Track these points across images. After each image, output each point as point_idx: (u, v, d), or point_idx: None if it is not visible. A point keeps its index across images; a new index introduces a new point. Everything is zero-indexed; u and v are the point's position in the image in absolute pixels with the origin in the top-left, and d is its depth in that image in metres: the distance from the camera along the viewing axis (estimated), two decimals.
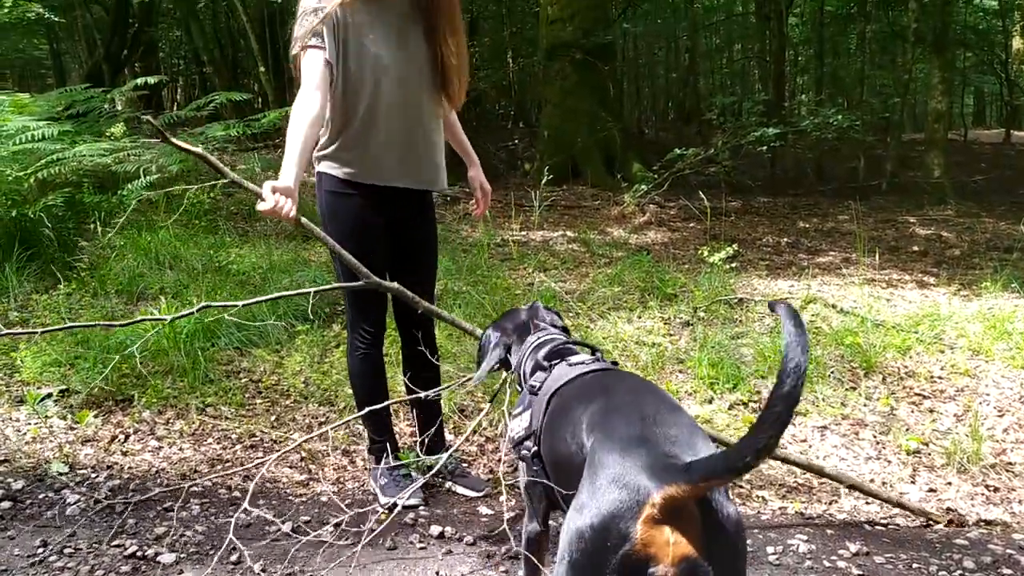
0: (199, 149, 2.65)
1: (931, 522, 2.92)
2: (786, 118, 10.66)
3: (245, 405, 3.79)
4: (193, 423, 3.58)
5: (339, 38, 2.58)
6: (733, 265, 6.18)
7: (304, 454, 3.32)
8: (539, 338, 2.24)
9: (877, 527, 2.88)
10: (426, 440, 2.97)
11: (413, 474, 2.95)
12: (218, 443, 3.43)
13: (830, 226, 8.45)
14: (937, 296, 5.71)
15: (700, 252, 6.38)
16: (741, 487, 3.15)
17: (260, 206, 2.35)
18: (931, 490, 3.17)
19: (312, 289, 2.97)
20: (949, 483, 3.21)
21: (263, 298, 3.03)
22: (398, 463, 2.92)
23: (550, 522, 2.10)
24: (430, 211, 2.96)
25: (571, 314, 5.11)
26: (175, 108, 15.24)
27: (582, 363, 2.01)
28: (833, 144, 10.93)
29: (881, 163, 11.77)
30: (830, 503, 3.06)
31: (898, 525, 2.91)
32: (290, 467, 3.25)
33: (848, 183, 11.10)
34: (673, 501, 1.36)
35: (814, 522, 2.91)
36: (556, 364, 2.05)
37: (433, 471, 2.75)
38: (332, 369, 4.14)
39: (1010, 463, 3.34)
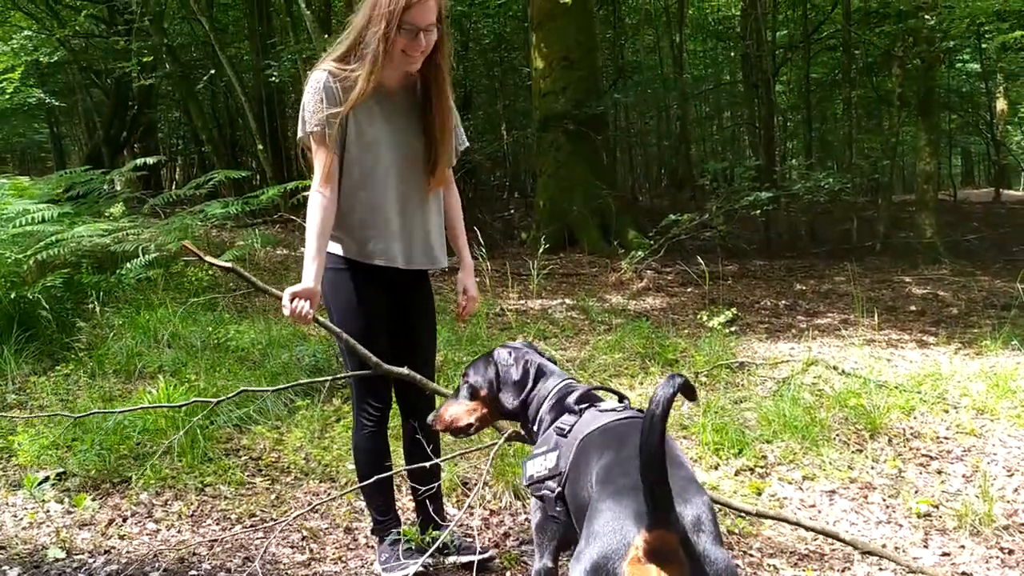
0: (229, 264, 2.81)
1: None
2: (777, 182, 10.79)
3: (245, 484, 3.73)
4: (192, 504, 3.52)
5: (344, 126, 2.67)
6: (733, 329, 6.18)
7: (305, 533, 3.26)
8: (560, 382, 2.32)
9: None
10: (426, 516, 2.95)
11: (413, 548, 2.91)
12: (217, 524, 3.37)
13: (827, 288, 8.48)
14: (937, 355, 5.70)
15: (699, 316, 6.39)
16: (752, 555, 3.09)
17: (284, 311, 2.57)
18: (945, 554, 3.11)
19: (327, 378, 2.99)
20: (962, 546, 3.16)
21: (290, 384, 3.06)
22: (398, 538, 2.90)
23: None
24: (427, 287, 2.98)
25: None
26: (173, 187, 15.45)
27: (612, 410, 2.11)
28: (826, 207, 11.05)
29: (873, 225, 11.88)
30: (843, 570, 3.00)
31: None
32: (291, 547, 3.19)
33: (842, 245, 11.18)
34: (658, 543, 1.50)
35: None
36: (586, 409, 2.14)
37: (434, 546, 2.70)
38: (333, 444, 4.10)
39: (1023, 524, 3.29)
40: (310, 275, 2.59)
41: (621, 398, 2.25)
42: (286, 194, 7.86)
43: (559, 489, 2.04)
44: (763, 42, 12.75)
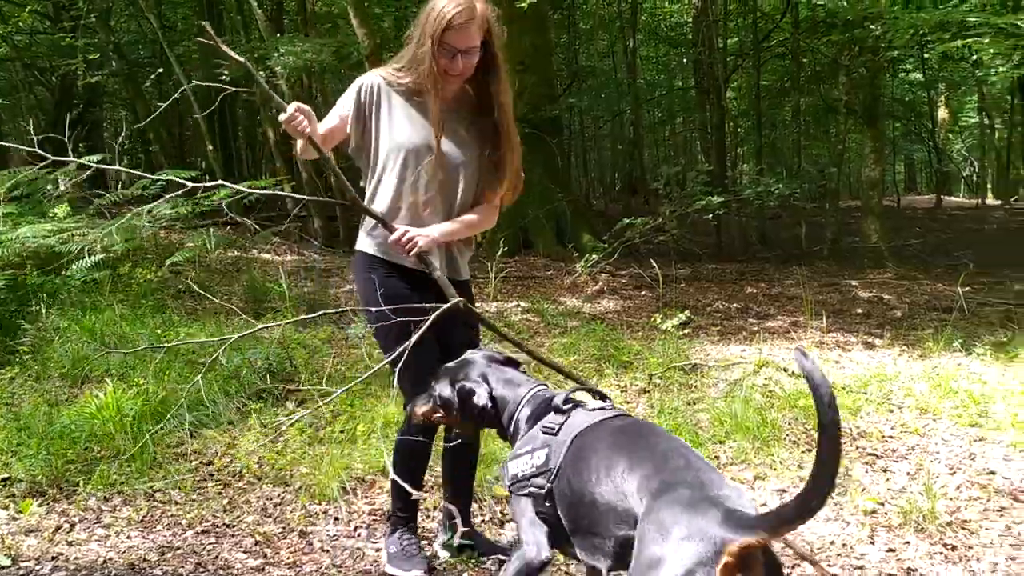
0: (243, 58, 2.81)
1: None
2: (729, 187, 10.96)
3: (196, 489, 3.68)
4: (141, 509, 3.46)
5: (370, 112, 2.85)
6: (686, 331, 6.27)
7: (259, 538, 3.23)
8: (535, 387, 2.39)
9: None
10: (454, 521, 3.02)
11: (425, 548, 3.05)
12: (168, 530, 3.32)
13: (777, 291, 8.63)
14: (883, 357, 5.84)
15: (653, 319, 6.46)
16: None
17: (281, 116, 2.63)
18: (891, 550, 3.19)
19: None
20: (907, 543, 3.24)
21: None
22: (414, 536, 3.03)
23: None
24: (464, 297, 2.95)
25: None
26: (119, 187, 15.11)
27: (601, 409, 2.20)
28: (776, 211, 11.24)
29: (821, 229, 12.12)
30: (793, 566, 3.06)
31: None
32: (244, 552, 3.15)
33: (791, 249, 11.39)
34: (747, 550, 1.60)
35: None
36: (572, 409, 2.21)
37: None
38: (287, 448, 4.06)
39: (965, 521, 3.38)
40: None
41: (603, 397, 2.31)
42: (238, 195, 7.75)
43: (548, 485, 2.09)
44: (715, 49, 12.94)
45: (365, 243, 2.94)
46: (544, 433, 2.18)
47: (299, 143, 2.74)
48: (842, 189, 16.55)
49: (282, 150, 12.65)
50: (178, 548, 3.15)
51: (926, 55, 17.15)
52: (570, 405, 2.23)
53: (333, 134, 2.90)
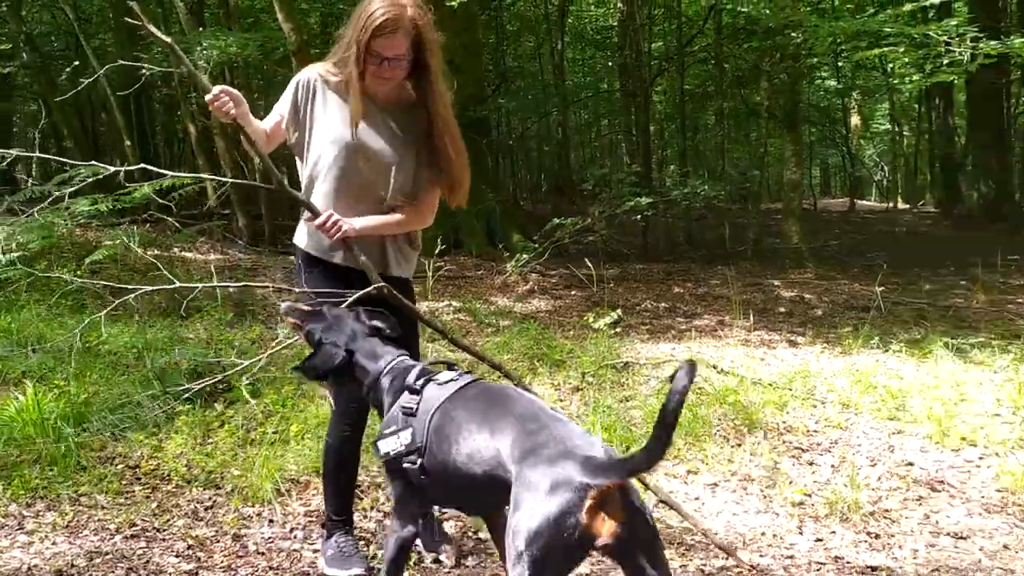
0: (169, 39, 2.81)
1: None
2: (656, 188, 11.14)
3: (123, 493, 3.57)
4: (66, 514, 3.34)
5: (306, 108, 2.87)
6: (617, 330, 6.35)
7: (191, 541, 3.15)
8: (393, 360, 2.52)
9: None
10: None
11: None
12: (95, 534, 3.21)
13: (703, 291, 8.81)
14: (806, 354, 6.02)
15: (585, 318, 6.52)
16: None
17: (207, 97, 2.68)
18: (818, 539, 3.29)
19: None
20: (833, 532, 3.35)
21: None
22: (350, 538, 3.02)
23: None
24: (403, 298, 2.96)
25: None
26: (30, 183, 14.50)
27: (451, 380, 2.35)
28: (701, 213, 11.47)
29: (744, 231, 12.42)
30: (726, 558, 3.13)
31: (791, 575, 3.01)
32: (176, 556, 3.07)
33: (716, 250, 11.64)
34: (606, 492, 1.86)
35: None
36: (425, 386, 2.36)
37: None
38: (216, 450, 3.97)
39: (887, 510, 3.52)
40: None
41: (451, 366, 2.46)
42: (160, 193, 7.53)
43: (420, 460, 2.25)
44: (641, 53, 13.13)
45: (301, 238, 2.97)
46: (404, 414, 2.32)
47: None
48: (762, 192, 17.00)
49: (204, 147, 12.35)
50: (107, 553, 3.05)
51: (840, 63, 17.76)
52: (423, 381, 2.37)
53: (275, 132, 2.93)
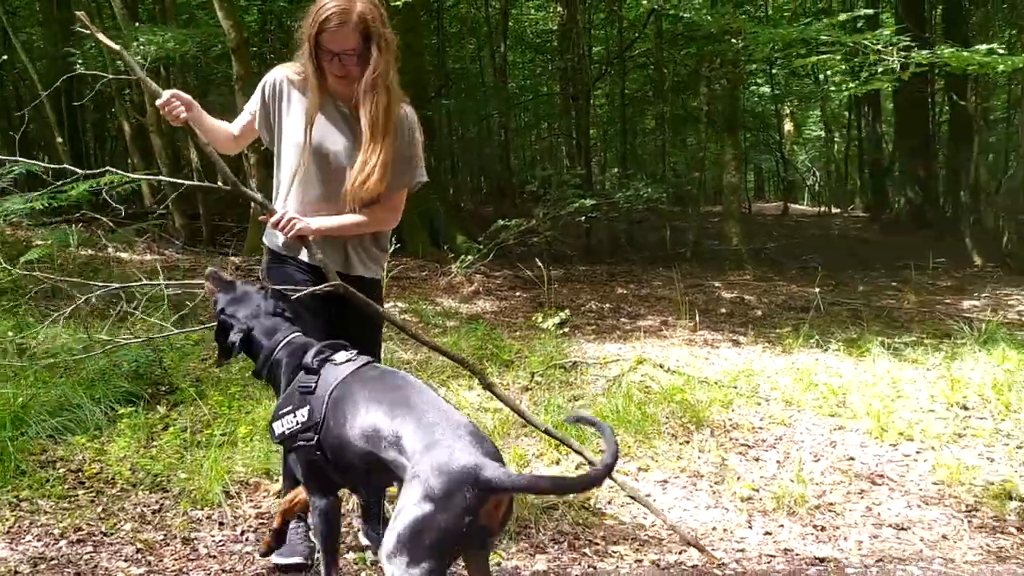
0: (118, 46, 2.88)
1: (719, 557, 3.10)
2: (597, 191, 11.25)
3: (66, 497, 3.46)
4: (7, 520, 3.22)
5: (274, 109, 2.88)
6: (563, 331, 6.40)
7: (140, 545, 3.07)
8: (288, 336, 2.55)
9: (727, 572, 3.03)
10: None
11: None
12: (39, 540, 3.10)
13: (646, 292, 8.93)
14: (749, 353, 6.15)
15: (533, 318, 6.55)
16: (596, 544, 3.22)
17: (158, 101, 2.71)
18: (767, 533, 3.37)
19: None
20: (781, 525, 3.43)
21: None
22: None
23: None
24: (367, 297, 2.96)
25: None
26: None
27: (349, 361, 2.41)
28: (642, 215, 11.61)
29: (683, 233, 12.63)
30: (680, 552, 3.18)
31: (744, 568, 3.07)
32: (125, 560, 2.99)
33: (657, 251, 11.80)
34: (504, 497, 2.03)
35: (670, 571, 3.01)
36: (323, 366, 2.40)
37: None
38: (162, 453, 3.88)
39: (831, 503, 3.62)
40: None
41: (346, 348, 2.51)
42: (99, 191, 7.32)
43: (316, 436, 2.30)
44: (582, 57, 13.24)
45: (269, 235, 2.98)
46: (302, 393, 2.37)
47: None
48: (700, 195, 17.28)
49: (139, 144, 12.05)
50: (52, 559, 2.95)
51: (775, 71, 18.18)
52: (320, 360, 2.42)
53: (245, 131, 2.96)
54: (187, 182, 3.57)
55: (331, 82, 2.80)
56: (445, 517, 1.92)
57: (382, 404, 2.22)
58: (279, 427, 2.37)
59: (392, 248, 10.35)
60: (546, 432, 3.44)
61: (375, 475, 2.28)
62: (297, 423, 2.34)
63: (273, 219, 2.78)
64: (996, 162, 16.46)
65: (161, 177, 8.54)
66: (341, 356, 2.44)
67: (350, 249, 2.95)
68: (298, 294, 2.75)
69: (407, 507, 1.95)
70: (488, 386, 3.33)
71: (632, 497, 3.32)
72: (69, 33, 11.77)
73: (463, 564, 2.26)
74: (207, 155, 2.95)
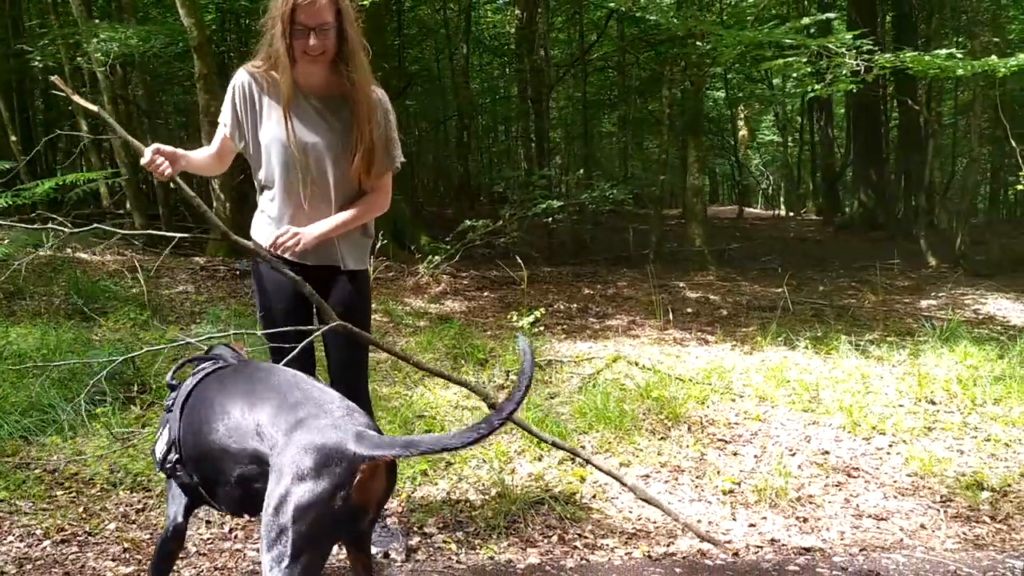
0: (96, 107, 2.90)
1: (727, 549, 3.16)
2: (559, 193, 11.31)
3: (45, 497, 3.39)
4: None
5: (244, 111, 2.82)
6: (535, 330, 6.43)
7: (127, 545, 3.02)
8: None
9: (718, 561, 3.08)
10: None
11: None
12: (21, 541, 3.04)
13: (612, 292, 9.00)
14: (718, 351, 6.24)
15: (509, 317, 6.57)
16: (586, 537, 3.25)
17: (142, 161, 2.63)
18: (751, 525, 3.43)
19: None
20: (764, 517, 3.50)
21: None
22: None
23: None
24: (349, 288, 2.95)
25: (387, 383, 5.07)
26: None
27: (202, 369, 2.34)
28: (606, 217, 11.68)
29: (646, 235, 12.75)
30: (669, 544, 3.23)
31: (735, 559, 3.13)
32: (112, 560, 2.94)
33: (620, 253, 11.90)
34: (376, 465, 1.88)
35: (662, 562, 3.05)
36: (183, 381, 2.34)
37: None
38: (140, 453, 3.81)
39: (811, 495, 3.70)
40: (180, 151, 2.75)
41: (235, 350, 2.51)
42: (65, 188, 7.18)
43: (177, 455, 2.21)
44: (541, 59, 13.29)
45: (258, 235, 2.95)
46: (166, 412, 2.32)
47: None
48: (663, 197, 17.46)
49: (96, 144, 11.79)
50: (38, 559, 2.89)
51: (730, 75, 18.46)
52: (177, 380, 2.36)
53: (224, 148, 2.92)
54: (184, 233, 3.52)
55: (301, 69, 2.74)
56: (317, 497, 1.79)
57: (237, 396, 2.10)
58: (158, 451, 2.27)
59: None
60: (553, 444, 3.46)
61: (244, 477, 2.05)
62: (164, 445, 2.23)
63: (278, 241, 2.77)
64: (943, 166, 16.93)
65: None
66: (202, 365, 2.36)
67: (340, 243, 2.93)
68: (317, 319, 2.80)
69: (274, 492, 1.83)
70: (492, 404, 3.29)
71: (644, 500, 3.37)
72: (21, 27, 11.51)
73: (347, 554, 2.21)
74: (195, 206, 2.88)
